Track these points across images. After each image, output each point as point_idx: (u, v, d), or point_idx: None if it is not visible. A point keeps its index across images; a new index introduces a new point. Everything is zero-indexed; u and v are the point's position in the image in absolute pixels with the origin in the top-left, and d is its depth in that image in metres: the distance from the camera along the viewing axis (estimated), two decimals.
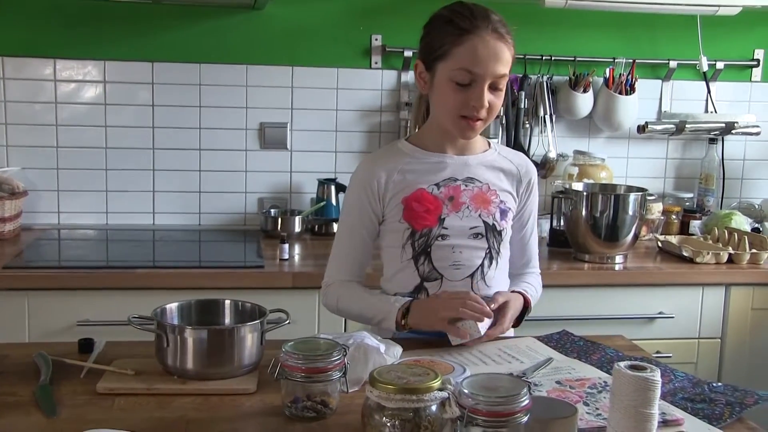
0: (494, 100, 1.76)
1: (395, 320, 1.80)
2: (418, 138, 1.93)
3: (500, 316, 1.79)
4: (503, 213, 1.88)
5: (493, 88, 1.75)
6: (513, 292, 1.88)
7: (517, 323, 1.89)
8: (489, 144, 1.95)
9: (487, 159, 1.91)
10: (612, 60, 3.27)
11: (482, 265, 1.86)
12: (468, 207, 1.85)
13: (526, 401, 1.20)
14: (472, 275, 1.86)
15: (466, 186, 1.86)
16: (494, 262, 1.88)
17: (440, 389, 1.23)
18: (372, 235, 1.92)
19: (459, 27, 1.73)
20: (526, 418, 1.19)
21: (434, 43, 1.77)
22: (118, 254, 2.79)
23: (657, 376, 1.28)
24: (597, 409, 1.44)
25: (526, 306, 1.89)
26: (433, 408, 1.22)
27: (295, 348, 1.40)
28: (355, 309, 1.92)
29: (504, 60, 1.74)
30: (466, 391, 1.20)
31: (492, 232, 1.87)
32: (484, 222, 1.86)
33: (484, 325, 1.71)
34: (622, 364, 1.31)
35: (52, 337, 2.40)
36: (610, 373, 1.64)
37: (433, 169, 1.87)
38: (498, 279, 1.90)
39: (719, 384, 1.58)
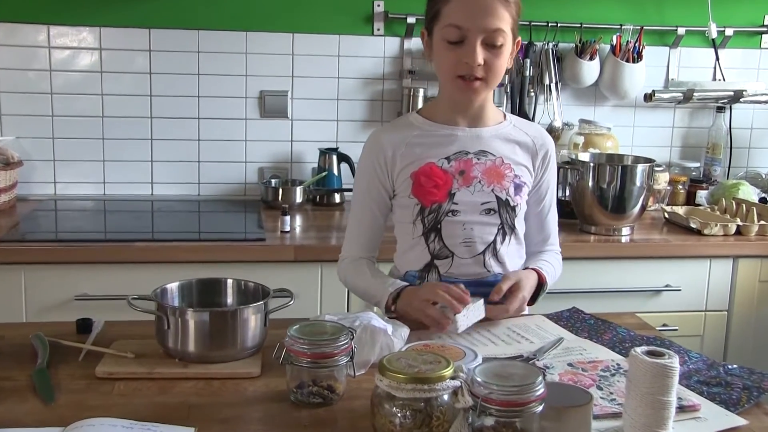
0: (491, 59, 1.69)
1: (385, 304, 1.77)
2: (429, 110, 1.87)
3: (510, 297, 1.73)
4: (518, 188, 1.82)
5: (490, 45, 1.68)
6: (526, 269, 1.81)
7: (531, 302, 1.82)
8: (504, 116, 1.88)
9: (502, 131, 1.84)
10: (619, 27, 3.20)
11: (494, 241, 1.81)
12: (480, 181, 1.79)
13: (541, 390, 1.15)
14: (483, 252, 1.81)
15: (478, 159, 1.80)
16: (507, 238, 1.82)
17: (452, 378, 1.19)
18: (383, 210, 1.87)
19: None
20: (540, 407, 1.15)
21: (429, 7, 1.74)
22: (116, 226, 2.74)
23: (675, 362, 1.24)
24: (611, 393, 1.40)
25: (541, 284, 1.82)
26: (445, 397, 1.18)
27: (300, 332, 1.36)
28: (358, 288, 1.89)
29: (496, 14, 1.66)
30: (479, 379, 1.15)
31: (505, 207, 1.81)
32: (497, 197, 1.80)
33: (465, 322, 1.64)
34: (638, 349, 1.27)
35: (50, 312, 2.37)
36: (623, 354, 1.61)
37: (443, 142, 1.81)
38: (511, 255, 1.84)
39: (734, 366, 1.54)
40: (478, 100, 1.78)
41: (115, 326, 1.68)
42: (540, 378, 1.16)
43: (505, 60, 1.72)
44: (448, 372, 1.19)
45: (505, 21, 1.68)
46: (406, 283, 1.79)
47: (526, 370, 1.20)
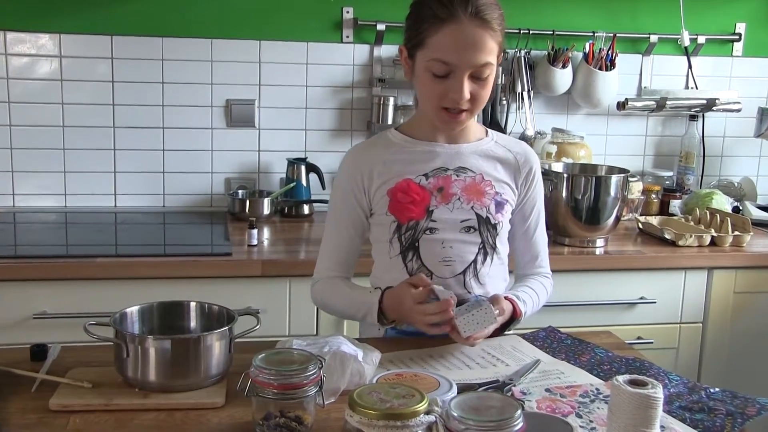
0: (478, 91, 1.64)
1: (376, 319, 1.71)
2: (408, 126, 1.81)
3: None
4: (499, 205, 1.76)
5: (476, 77, 1.63)
6: (505, 298, 1.72)
7: (499, 331, 1.73)
8: (486, 132, 1.83)
9: (482, 148, 1.79)
10: (592, 34, 3.16)
11: (475, 261, 1.75)
12: (459, 198, 1.74)
13: (520, 424, 1.10)
14: (464, 272, 1.74)
15: (457, 176, 1.74)
16: (489, 258, 1.76)
17: (427, 412, 1.13)
18: (359, 230, 1.81)
19: (435, 14, 1.60)
20: None
21: (412, 30, 1.66)
22: (77, 240, 2.64)
23: (659, 392, 1.19)
24: (591, 421, 1.35)
25: (515, 316, 1.73)
26: None
27: (266, 362, 1.29)
28: (338, 306, 1.82)
29: (486, 49, 1.60)
30: (454, 414, 1.10)
31: (486, 225, 1.75)
32: (477, 215, 1.74)
33: (469, 328, 1.58)
34: (620, 378, 1.22)
35: (7, 332, 2.27)
36: (601, 377, 1.56)
37: (422, 159, 1.75)
38: (493, 276, 1.78)
39: (716, 390, 1.50)
40: (461, 128, 1.74)
41: (72, 352, 1.60)
42: (519, 412, 1.11)
43: (491, 87, 1.67)
44: (422, 407, 1.13)
45: (492, 52, 1.62)
46: (379, 293, 1.72)
47: (503, 402, 1.15)
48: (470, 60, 1.60)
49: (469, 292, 1.74)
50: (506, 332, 1.77)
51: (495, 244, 1.77)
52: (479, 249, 1.75)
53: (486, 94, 1.66)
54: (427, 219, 1.73)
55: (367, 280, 1.85)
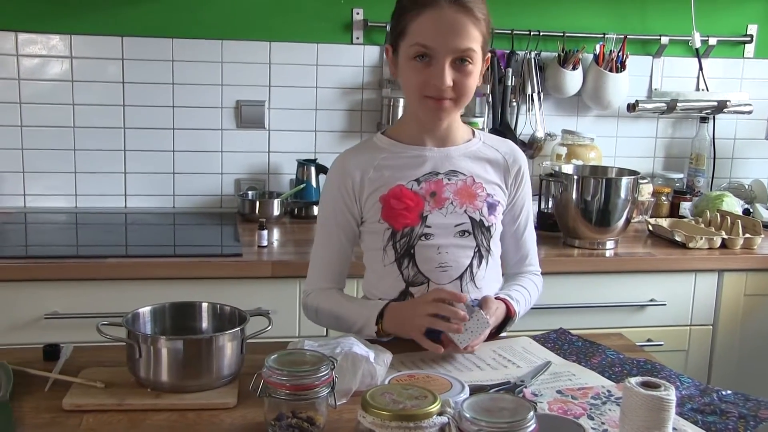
0: (461, 79, 1.62)
1: (374, 327, 1.68)
2: (395, 131, 1.80)
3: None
4: (491, 207, 1.76)
5: (459, 65, 1.62)
6: (497, 298, 1.72)
7: (495, 333, 1.73)
8: (473, 133, 1.82)
9: (471, 149, 1.78)
10: (602, 36, 3.15)
11: (471, 265, 1.74)
12: (452, 203, 1.73)
13: (533, 426, 1.10)
14: (460, 277, 1.73)
15: (449, 180, 1.74)
16: (484, 261, 1.75)
17: (440, 414, 1.13)
18: (350, 238, 1.79)
19: (416, 2, 1.62)
20: None
21: (395, 23, 1.67)
22: (88, 241, 2.65)
23: (671, 394, 1.19)
24: (603, 423, 1.35)
25: (510, 315, 1.73)
26: None
27: (278, 363, 1.29)
28: (334, 317, 1.77)
29: (466, 34, 1.60)
30: (467, 415, 1.10)
31: (480, 228, 1.74)
32: (471, 218, 1.74)
33: (465, 338, 1.58)
34: (633, 380, 1.22)
35: (18, 332, 2.28)
36: (613, 379, 1.56)
37: (412, 164, 1.74)
38: (489, 279, 1.77)
39: (728, 392, 1.49)
40: (446, 120, 1.72)
41: (85, 352, 1.60)
42: (531, 413, 1.11)
43: (476, 79, 1.66)
44: (435, 408, 1.13)
45: (475, 40, 1.62)
46: (386, 301, 1.71)
47: (516, 404, 1.15)
48: (450, 44, 1.60)
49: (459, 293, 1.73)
50: (502, 333, 1.77)
51: (489, 246, 1.76)
52: (474, 253, 1.74)
53: (470, 84, 1.64)
54: (422, 225, 1.71)
55: (354, 283, 1.83)
